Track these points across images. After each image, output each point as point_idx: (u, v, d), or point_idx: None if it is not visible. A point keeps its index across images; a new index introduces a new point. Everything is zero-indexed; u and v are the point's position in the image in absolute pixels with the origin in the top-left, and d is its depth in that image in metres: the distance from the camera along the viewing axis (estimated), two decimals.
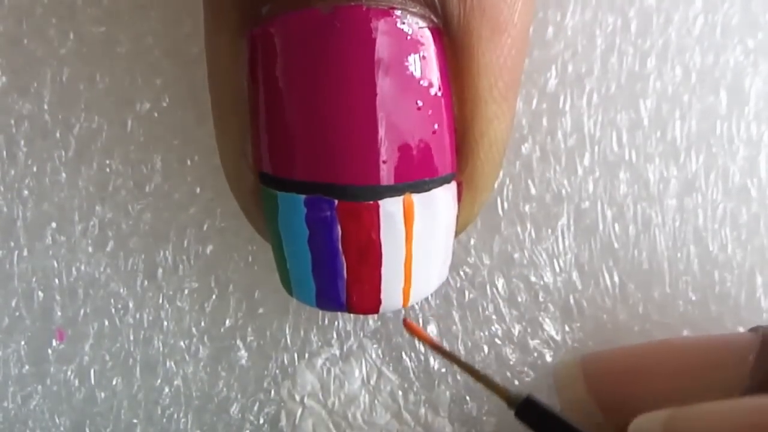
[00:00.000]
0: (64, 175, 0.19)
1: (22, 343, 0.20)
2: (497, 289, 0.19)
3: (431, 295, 0.18)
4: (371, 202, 0.14)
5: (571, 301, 0.19)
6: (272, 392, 0.19)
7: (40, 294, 0.19)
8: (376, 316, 0.19)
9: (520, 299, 0.19)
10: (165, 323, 0.19)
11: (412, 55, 0.14)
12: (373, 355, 0.19)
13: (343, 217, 0.14)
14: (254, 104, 0.15)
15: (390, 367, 0.19)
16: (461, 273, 0.19)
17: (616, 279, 0.19)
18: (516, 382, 0.19)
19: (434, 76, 0.14)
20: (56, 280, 0.19)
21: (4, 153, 0.19)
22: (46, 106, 0.19)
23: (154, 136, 0.19)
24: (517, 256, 0.19)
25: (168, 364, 0.19)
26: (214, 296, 0.19)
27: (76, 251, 0.19)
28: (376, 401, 0.19)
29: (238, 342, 0.19)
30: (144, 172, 0.19)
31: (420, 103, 0.14)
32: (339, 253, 0.15)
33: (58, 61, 0.19)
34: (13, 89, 0.19)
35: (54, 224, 0.19)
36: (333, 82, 0.14)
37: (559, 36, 0.18)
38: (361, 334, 0.19)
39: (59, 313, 0.19)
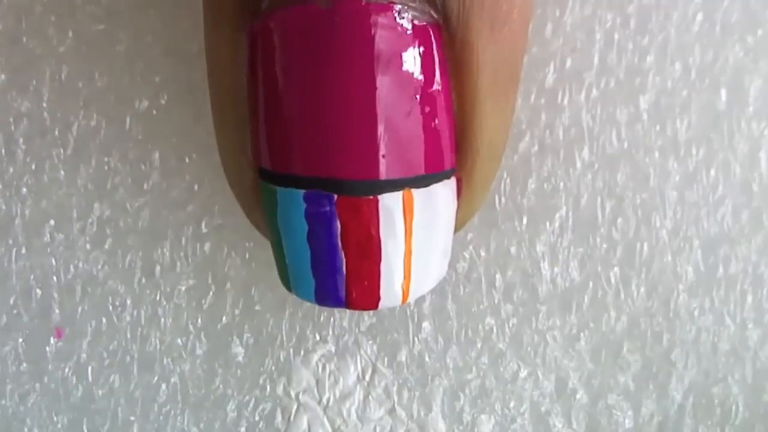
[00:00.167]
0: (62, 172, 0.19)
1: (20, 340, 0.20)
2: (494, 283, 0.19)
3: None
4: (370, 197, 0.14)
5: (570, 295, 0.19)
6: (268, 389, 0.19)
7: (38, 291, 0.19)
8: (371, 312, 0.19)
9: (516, 294, 0.19)
10: (162, 320, 0.19)
11: (412, 50, 0.14)
12: (368, 351, 0.19)
13: (343, 212, 0.14)
14: (253, 99, 0.15)
15: (384, 362, 0.19)
16: (457, 267, 0.19)
17: (616, 272, 0.19)
18: (508, 378, 0.19)
19: (434, 71, 0.14)
20: (54, 278, 0.19)
21: (3, 151, 0.19)
22: (44, 104, 0.19)
23: (153, 134, 0.19)
24: (514, 250, 0.19)
25: (165, 361, 0.19)
26: (211, 293, 0.19)
27: (74, 249, 0.19)
28: (370, 397, 0.19)
29: (235, 339, 0.19)
30: (142, 170, 0.19)
31: (419, 98, 0.14)
32: (338, 249, 0.15)
33: (57, 59, 0.19)
34: (12, 87, 0.19)
35: (52, 222, 0.19)
36: (332, 77, 0.14)
37: (557, 32, 0.18)
38: (356, 331, 0.19)
39: (57, 311, 0.19)
